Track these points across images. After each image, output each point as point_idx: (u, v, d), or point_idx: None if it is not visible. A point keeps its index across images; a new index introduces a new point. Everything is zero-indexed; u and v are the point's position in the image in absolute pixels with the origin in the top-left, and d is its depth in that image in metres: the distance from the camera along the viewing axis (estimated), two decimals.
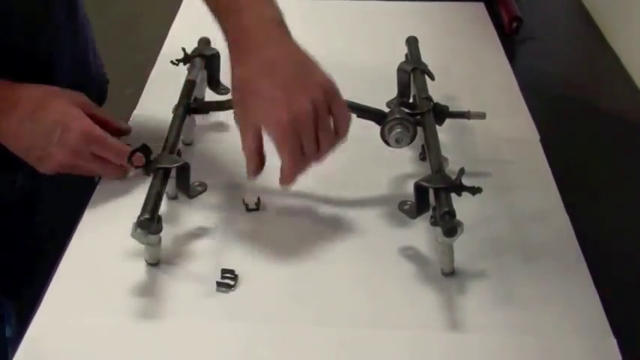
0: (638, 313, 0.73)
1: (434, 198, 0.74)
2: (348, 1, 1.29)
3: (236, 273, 0.74)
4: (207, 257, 0.76)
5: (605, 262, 0.78)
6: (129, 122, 0.96)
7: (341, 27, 1.22)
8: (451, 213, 0.70)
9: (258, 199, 0.83)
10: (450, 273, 0.74)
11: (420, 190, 0.75)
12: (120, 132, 0.88)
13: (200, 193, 0.82)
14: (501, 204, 0.83)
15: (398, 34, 0.99)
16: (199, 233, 0.79)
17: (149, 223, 0.70)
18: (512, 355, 0.67)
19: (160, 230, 0.73)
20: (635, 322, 0.72)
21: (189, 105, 0.87)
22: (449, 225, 0.70)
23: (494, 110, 0.91)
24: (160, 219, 0.73)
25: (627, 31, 1.18)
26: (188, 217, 0.81)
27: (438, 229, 0.71)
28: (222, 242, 0.78)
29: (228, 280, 0.73)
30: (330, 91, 0.72)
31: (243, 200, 0.83)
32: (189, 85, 0.89)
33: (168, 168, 0.77)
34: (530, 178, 0.88)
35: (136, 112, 0.98)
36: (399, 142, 0.82)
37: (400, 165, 0.89)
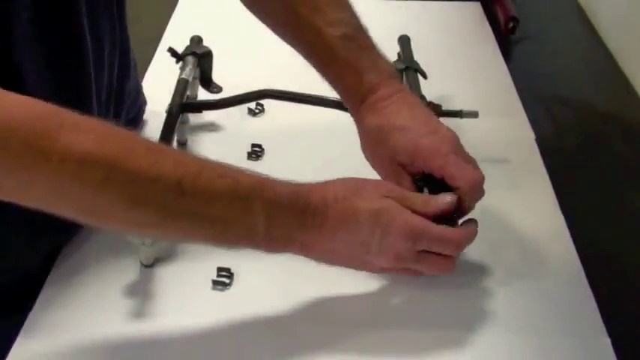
0: (632, 313, 0.74)
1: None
2: None
3: (232, 271, 0.74)
4: (202, 256, 0.76)
5: (600, 261, 0.78)
6: None
7: None
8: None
9: None
10: None
11: (417, 189, 0.75)
12: (463, 211, 0.71)
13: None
14: (496, 204, 0.83)
15: (394, 33, 0.99)
16: None
17: None
18: (507, 354, 0.67)
19: None
20: (630, 322, 0.72)
21: (183, 104, 0.87)
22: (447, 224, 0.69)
23: (490, 110, 0.92)
24: None
25: (623, 31, 1.18)
26: None
27: None
28: None
29: (223, 279, 0.73)
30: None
31: None
32: (182, 84, 0.89)
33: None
34: (525, 177, 0.88)
35: None
36: None
37: None
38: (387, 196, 0.67)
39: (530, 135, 0.95)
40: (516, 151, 0.93)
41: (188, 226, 0.60)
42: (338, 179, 0.68)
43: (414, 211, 0.66)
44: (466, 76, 1.07)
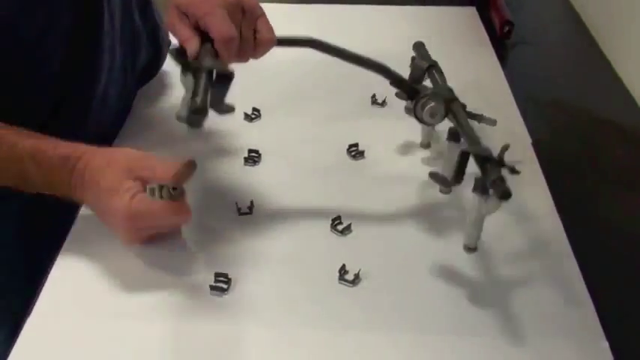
0: (630, 316, 0.74)
1: (478, 167, 0.73)
2: (342, 6, 1.29)
3: (229, 277, 0.74)
4: (200, 261, 0.76)
5: (597, 264, 0.78)
6: (125, 125, 0.96)
7: (336, 31, 1.21)
8: (502, 178, 0.70)
9: (251, 202, 0.83)
10: (474, 249, 0.74)
11: (464, 157, 0.74)
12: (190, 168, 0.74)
13: (229, 112, 0.75)
14: None
15: (391, 38, 0.99)
16: (192, 237, 0.79)
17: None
18: (504, 357, 0.67)
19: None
20: (628, 325, 0.72)
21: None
22: (502, 188, 0.68)
23: (487, 114, 0.92)
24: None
25: (618, 34, 1.18)
26: None
27: (481, 199, 0.70)
28: (215, 246, 0.78)
29: (221, 284, 0.73)
30: None
31: (236, 204, 0.83)
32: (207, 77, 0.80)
33: (211, 71, 0.74)
34: (522, 181, 0.88)
35: (130, 114, 0.99)
36: (433, 117, 0.81)
37: (393, 166, 0.89)
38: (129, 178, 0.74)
39: (527, 138, 0.96)
40: (513, 155, 0.92)
41: None
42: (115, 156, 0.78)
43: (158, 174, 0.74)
44: (462, 81, 1.07)
